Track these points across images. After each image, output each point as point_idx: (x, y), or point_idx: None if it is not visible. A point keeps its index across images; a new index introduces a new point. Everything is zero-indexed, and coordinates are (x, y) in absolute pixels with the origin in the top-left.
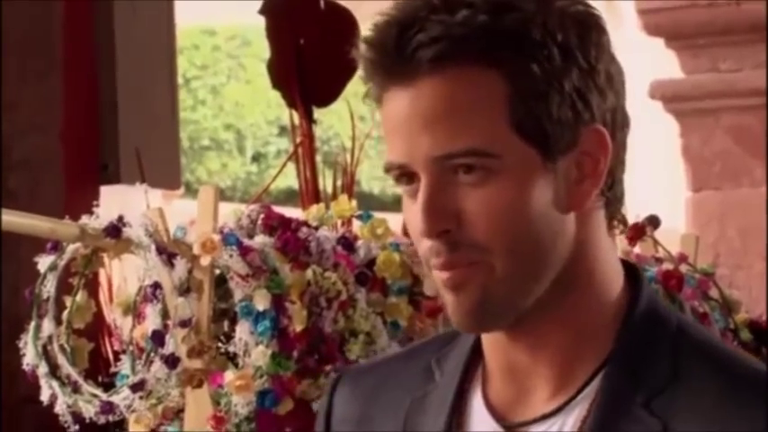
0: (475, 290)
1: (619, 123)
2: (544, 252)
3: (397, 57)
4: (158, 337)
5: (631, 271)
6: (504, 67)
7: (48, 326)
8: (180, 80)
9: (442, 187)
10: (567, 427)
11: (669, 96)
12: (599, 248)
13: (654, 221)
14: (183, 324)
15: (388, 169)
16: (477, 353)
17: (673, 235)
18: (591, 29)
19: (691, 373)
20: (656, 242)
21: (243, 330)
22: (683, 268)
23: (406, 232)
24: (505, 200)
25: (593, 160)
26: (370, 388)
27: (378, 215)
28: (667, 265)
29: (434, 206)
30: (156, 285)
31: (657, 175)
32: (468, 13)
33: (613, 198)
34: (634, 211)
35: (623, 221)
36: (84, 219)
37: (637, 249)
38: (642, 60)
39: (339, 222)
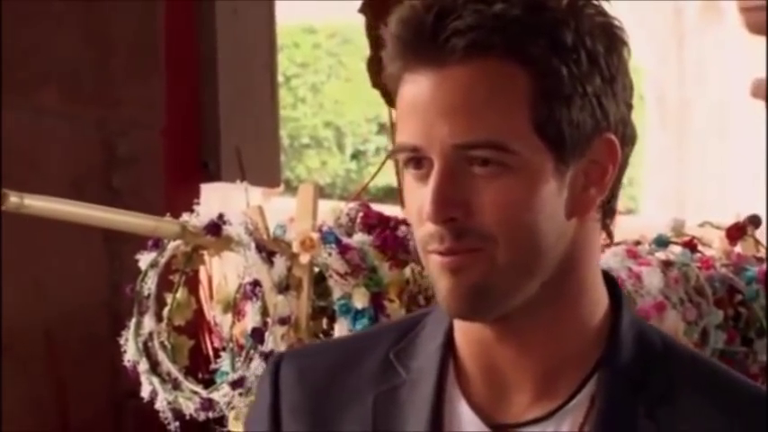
0: (473, 275)
1: (627, 136)
2: (544, 250)
3: (431, 40)
4: (258, 335)
5: (609, 283)
6: (534, 65)
7: (148, 323)
8: (280, 78)
9: (454, 176)
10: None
11: None
12: (591, 258)
13: (755, 221)
14: (283, 321)
15: (397, 151)
16: (448, 351)
17: None
18: (616, 39)
19: (687, 384)
20: (757, 241)
21: (341, 328)
22: None
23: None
24: (516, 196)
25: (601, 169)
26: (319, 377)
27: None
28: None
29: (445, 193)
30: (256, 283)
31: (758, 174)
32: (504, 7)
33: (609, 211)
34: (735, 210)
35: (611, 235)
36: (185, 216)
37: (738, 249)
38: (744, 58)
39: None
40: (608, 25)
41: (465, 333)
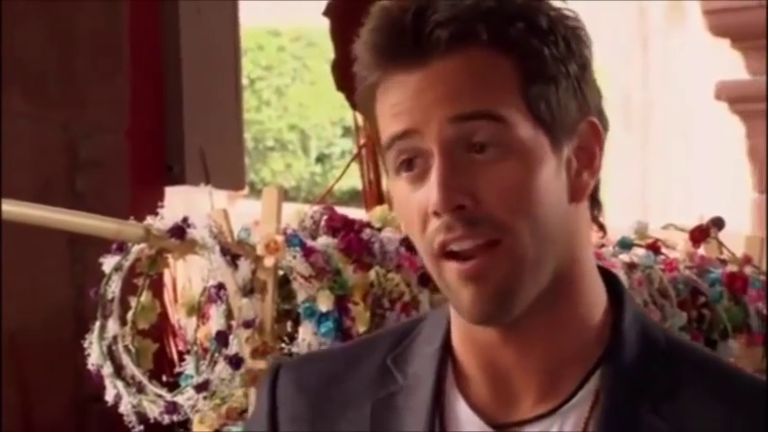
0: (496, 278)
1: (604, 125)
2: (555, 238)
3: (413, 38)
4: (222, 338)
5: (609, 278)
6: (516, 50)
7: (112, 326)
8: (244, 81)
9: (457, 163)
10: (566, 429)
11: (735, 97)
12: (587, 250)
13: (718, 223)
14: (247, 325)
15: (388, 147)
16: (446, 354)
17: (737, 237)
18: (582, 32)
19: (689, 381)
20: (720, 244)
21: (306, 331)
22: (748, 270)
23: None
24: (520, 178)
25: (589, 152)
26: (316, 385)
27: None
28: (732, 267)
29: (451, 180)
30: (220, 286)
31: (722, 177)
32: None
33: (597, 203)
34: (698, 213)
35: (602, 226)
36: (149, 220)
37: (701, 251)
38: (708, 61)
39: None
40: (572, 19)
41: (465, 335)
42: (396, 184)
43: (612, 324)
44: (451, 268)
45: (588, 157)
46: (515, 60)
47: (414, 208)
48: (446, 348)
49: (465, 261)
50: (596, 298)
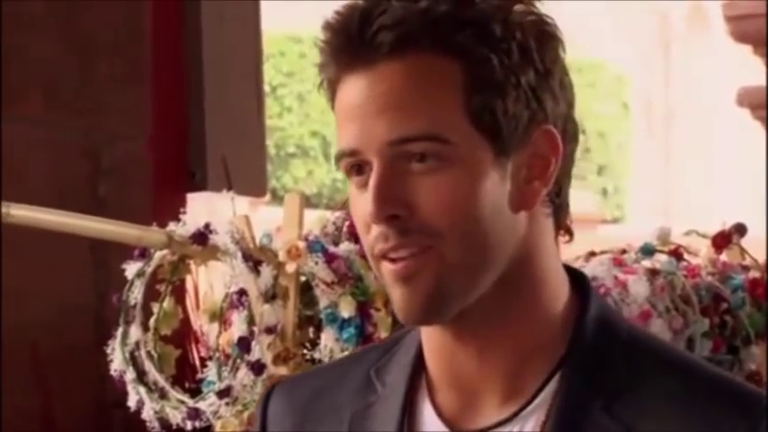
0: (426, 279)
1: (569, 133)
2: (494, 245)
3: (359, 39)
4: (244, 344)
5: (578, 279)
6: (464, 56)
7: (135, 332)
8: (266, 88)
9: (394, 174)
10: None
11: (756, 103)
12: (546, 254)
13: (741, 229)
14: (269, 331)
15: (339, 158)
16: (419, 362)
17: (759, 243)
18: (548, 36)
19: (648, 377)
20: (742, 250)
21: (328, 337)
22: None
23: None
24: (458, 189)
25: (543, 161)
26: (304, 400)
27: None
28: (754, 274)
29: (385, 191)
30: (242, 292)
31: (744, 183)
32: (431, 2)
33: (560, 206)
34: (721, 219)
35: (569, 231)
36: (172, 226)
37: (723, 257)
38: (729, 67)
39: None
40: (539, 22)
41: (428, 341)
42: (350, 186)
43: (576, 321)
44: (386, 269)
45: (542, 166)
46: (462, 67)
47: (359, 212)
48: (419, 358)
49: (397, 262)
50: (554, 298)
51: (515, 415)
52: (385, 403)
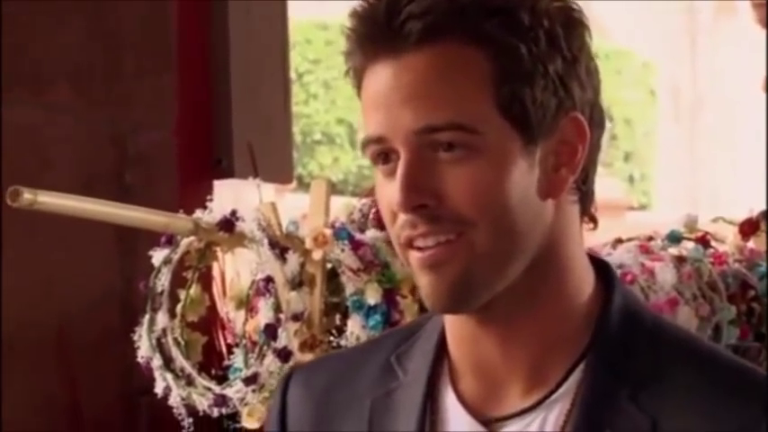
0: (454, 268)
1: (596, 120)
2: (522, 233)
3: (386, 28)
4: (271, 331)
5: (601, 268)
6: (492, 45)
7: (162, 319)
8: (292, 75)
9: (421, 163)
10: (549, 423)
11: None
12: (572, 242)
13: None
14: (296, 318)
15: (365, 145)
16: (442, 349)
17: None
18: (575, 22)
19: (674, 368)
20: None
21: (354, 324)
22: None
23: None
24: (487, 179)
25: (570, 148)
26: (323, 386)
27: None
28: None
29: (414, 180)
30: (269, 279)
31: None
32: None
33: (586, 193)
34: (748, 206)
35: (593, 219)
36: (198, 213)
37: (751, 244)
38: (757, 54)
39: None
40: (566, 8)
41: (452, 328)
42: (376, 173)
43: (600, 312)
44: (414, 257)
45: (569, 153)
46: (490, 56)
47: (386, 199)
48: (442, 345)
49: (424, 251)
50: (579, 287)
51: (539, 403)
52: (407, 390)
